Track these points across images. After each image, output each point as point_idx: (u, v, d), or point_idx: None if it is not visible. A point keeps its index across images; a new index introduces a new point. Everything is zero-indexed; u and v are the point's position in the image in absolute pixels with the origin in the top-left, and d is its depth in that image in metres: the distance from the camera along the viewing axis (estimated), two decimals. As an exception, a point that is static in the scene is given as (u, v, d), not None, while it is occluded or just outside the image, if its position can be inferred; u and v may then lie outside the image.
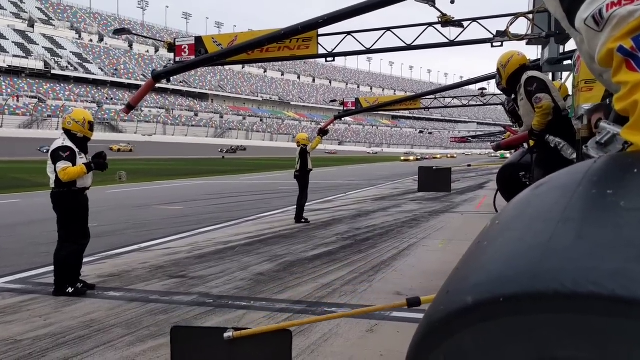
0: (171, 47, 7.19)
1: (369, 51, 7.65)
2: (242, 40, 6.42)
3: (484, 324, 0.61)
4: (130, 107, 6.99)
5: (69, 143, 5.75)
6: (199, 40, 7.29)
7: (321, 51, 7.34)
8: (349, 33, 8.36)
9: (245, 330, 2.64)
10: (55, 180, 5.69)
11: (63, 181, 5.62)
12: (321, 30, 7.16)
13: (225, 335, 2.57)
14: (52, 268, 6.69)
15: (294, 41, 7.11)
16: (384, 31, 9.11)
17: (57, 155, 5.66)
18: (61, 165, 5.60)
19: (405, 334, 4.32)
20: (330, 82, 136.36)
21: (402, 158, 71.24)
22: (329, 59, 7.57)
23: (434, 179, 9.54)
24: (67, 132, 5.83)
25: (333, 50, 7.55)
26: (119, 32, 11.93)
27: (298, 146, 11.88)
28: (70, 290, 5.59)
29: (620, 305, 0.53)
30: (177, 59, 7.17)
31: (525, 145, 7.45)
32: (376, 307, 2.95)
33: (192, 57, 7.02)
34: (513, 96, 6.20)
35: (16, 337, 4.29)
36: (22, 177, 27.35)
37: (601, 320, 0.54)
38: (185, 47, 7.12)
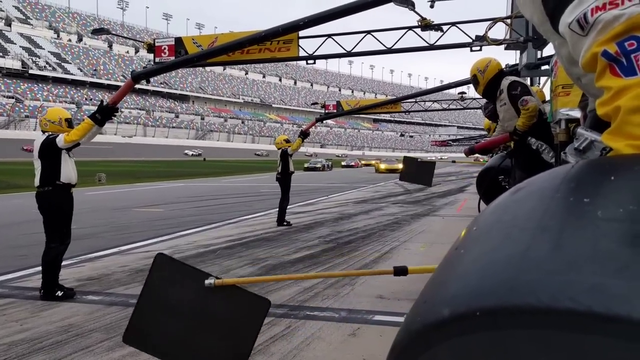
0: (151, 48, 7.12)
1: (349, 54, 7.68)
2: (222, 42, 6.38)
3: (460, 338, 0.59)
4: None
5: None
6: (178, 41, 7.23)
7: (302, 53, 7.33)
8: (329, 36, 8.38)
9: (228, 279, 2.63)
10: (40, 178, 5.58)
11: (72, 141, 5.50)
12: (302, 33, 7.15)
13: (207, 282, 2.55)
14: (30, 271, 6.62)
15: (274, 43, 7.08)
16: (365, 34, 9.14)
17: (50, 141, 5.56)
18: (61, 135, 5.54)
19: (387, 337, 4.32)
20: (311, 85, 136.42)
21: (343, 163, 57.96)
22: (309, 61, 7.57)
23: (417, 171, 9.43)
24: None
25: (314, 52, 7.55)
26: (97, 32, 11.78)
27: (278, 149, 11.82)
28: (59, 293, 5.48)
29: (596, 322, 0.51)
30: (157, 59, 7.10)
31: (503, 148, 7.53)
32: (362, 271, 2.95)
33: (172, 58, 6.96)
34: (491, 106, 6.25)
35: (-9, 343, 4.20)
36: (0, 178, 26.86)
37: (578, 337, 0.52)
38: (165, 48, 7.06)
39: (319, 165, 48.70)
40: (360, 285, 6.01)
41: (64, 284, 5.79)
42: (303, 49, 7.33)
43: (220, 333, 2.55)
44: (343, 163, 56.63)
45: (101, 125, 5.62)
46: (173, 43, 7.09)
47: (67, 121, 5.83)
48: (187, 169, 42.16)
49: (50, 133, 5.68)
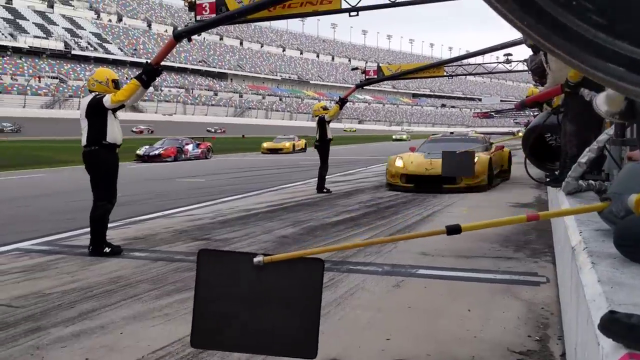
0: (192, 6, 7.10)
1: (394, 4, 7.40)
2: (263, -5, 6.28)
3: None
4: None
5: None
6: (220, -3, 7.14)
7: (344, 5, 7.12)
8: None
9: (276, 256, 2.60)
10: (87, 137, 5.67)
11: (119, 101, 5.55)
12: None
13: (255, 260, 2.53)
14: (78, 232, 6.80)
15: (316, -5, 6.91)
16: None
17: (97, 101, 5.63)
18: (107, 95, 5.60)
19: (432, 289, 4.27)
20: (349, 61, 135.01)
21: None
22: (352, 13, 7.33)
23: (457, 163, 9.69)
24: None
25: (357, 4, 7.30)
26: None
27: (315, 116, 11.76)
28: (107, 250, 5.62)
29: None
30: (198, 17, 7.08)
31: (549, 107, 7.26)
32: (414, 234, 2.88)
33: (213, 16, 6.93)
34: (542, 53, 6.03)
35: (44, 291, 4.33)
36: (47, 154, 27.69)
37: None
38: (206, 6, 7.01)
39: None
40: (403, 243, 5.94)
41: (111, 242, 5.92)
42: (346, 1, 7.09)
43: (285, 307, 2.53)
44: (140, 152, 24.77)
45: (146, 87, 5.66)
46: (214, 0, 7.04)
47: (114, 82, 5.90)
48: (226, 145, 42.53)
49: (97, 93, 5.76)
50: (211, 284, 2.57)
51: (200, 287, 2.55)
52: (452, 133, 14.80)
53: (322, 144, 11.47)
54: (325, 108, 11.77)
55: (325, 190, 11.13)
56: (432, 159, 10.98)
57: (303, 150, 33.71)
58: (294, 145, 33.51)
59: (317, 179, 11.37)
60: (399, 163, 11.42)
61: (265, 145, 33.28)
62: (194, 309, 2.62)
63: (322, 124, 11.42)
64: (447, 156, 9.65)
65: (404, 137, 60.05)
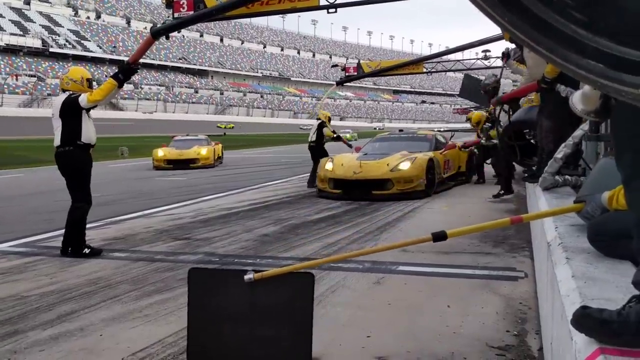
0: (169, 4, 7.04)
1: (370, 1, 7.39)
2: (241, -8, 6.24)
3: None
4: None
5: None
6: (198, -6, 7.08)
7: (322, 2, 7.10)
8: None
9: (266, 271, 2.61)
10: (60, 137, 5.59)
11: (95, 100, 5.48)
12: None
13: (246, 277, 2.53)
14: (56, 233, 6.70)
15: (294, -8, 6.90)
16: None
17: (72, 100, 5.53)
18: (83, 95, 5.51)
19: (412, 285, 4.30)
20: (330, 57, 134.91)
21: None
22: (331, 10, 7.31)
23: (476, 90, 9.09)
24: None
25: (335, 1, 7.29)
26: None
27: (318, 119, 12.07)
28: (87, 251, 5.56)
29: None
30: (176, 14, 7.01)
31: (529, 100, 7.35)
32: (400, 242, 2.91)
33: (191, 13, 6.87)
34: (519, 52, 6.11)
35: (23, 294, 4.27)
36: (24, 154, 27.28)
37: None
38: (183, 3, 6.95)
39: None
40: (383, 241, 5.99)
41: (90, 243, 5.85)
42: (324, -2, 7.09)
43: (278, 320, 2.54)
44: None
45: (121, 86, 5.61)
46: (192, -3, 6.98)
47: (87, 81, 5.82)
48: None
49: (71, 92, 5.68)
50: (203, 302, 2.56)
51: (193, 306, 2.55)
52: (401, 130, 13.43)
53: (318, 144, 11.74)
54: (329, 119, 12.15)
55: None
56: (362, 161, 9.81)
57: (220, 160, 20.75)
58: (214, 151, 19.90)
59: (309, 174, 11.44)
60: (328, 166, 10.06)
61: (161, 154, 18.76)
62: (188, 329, 2.60)
63: (321, 127, 11.73)
64: (469, 80, 8.94)
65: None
